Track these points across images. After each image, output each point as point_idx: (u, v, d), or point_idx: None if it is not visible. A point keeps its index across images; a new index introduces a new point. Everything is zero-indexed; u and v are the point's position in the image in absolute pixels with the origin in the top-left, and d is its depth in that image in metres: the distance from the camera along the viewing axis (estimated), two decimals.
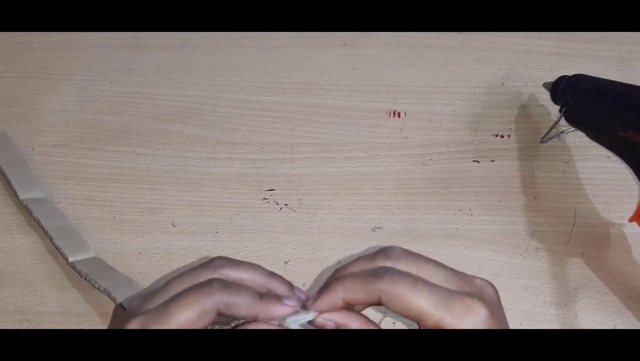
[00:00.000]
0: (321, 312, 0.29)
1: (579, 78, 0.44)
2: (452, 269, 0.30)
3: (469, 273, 0.43)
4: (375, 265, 0.29)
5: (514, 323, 0.42)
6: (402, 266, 0.29)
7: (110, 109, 0.52)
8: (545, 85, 0.48)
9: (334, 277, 0.30)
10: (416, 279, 0.28)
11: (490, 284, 0.30)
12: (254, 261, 0.44)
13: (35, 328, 0.42)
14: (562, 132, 0.47)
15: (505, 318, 0.30)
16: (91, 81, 0.54)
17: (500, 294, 0.42)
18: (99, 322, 0.42)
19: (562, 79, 0.46)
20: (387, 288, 0.27)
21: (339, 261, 0.44)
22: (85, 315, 0.43)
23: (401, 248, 0.30)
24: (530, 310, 0.42)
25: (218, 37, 0.56)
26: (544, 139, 0.48)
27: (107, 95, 0.53)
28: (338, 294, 0.29)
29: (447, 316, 0.27)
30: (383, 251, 0.30)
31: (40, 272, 0.44)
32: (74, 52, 0.56)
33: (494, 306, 0.29)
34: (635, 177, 0.40)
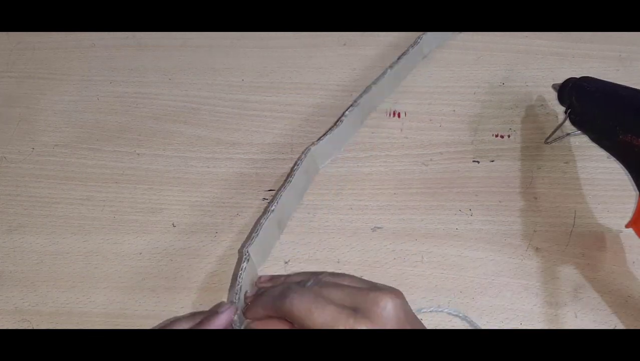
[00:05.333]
0: (249, 320, 0.37)
1: (585, 80, 0.44)
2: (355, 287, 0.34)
3: (468, 273, 0.43)
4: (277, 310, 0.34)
5: (514, 323, 0.42)
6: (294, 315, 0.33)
7: (110, 109, 0.52)
8: (554, 86, 0.48)
9: (257, 293, 0.39)
10: (310, 305, 0.32)
11: (386, 296, 0.32)
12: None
13: (35, 328, 0.42)
14: (568, 134, 0.47)
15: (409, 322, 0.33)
16: (91, 81, 0.54)
17: (500, 294, 0.43)
18: (99, 322, 0.42)
19: (569, 80, 0.46)
20: (287, 310, 0.33)
21: (338, 261, 0.44)
22: (85, 315, 0.43)
23: (295, 295, 0.34)
24: (530, 310, 0.42)
25: (218, 37, 0.56)
26: (548, 140, 0.48)
27: (107, 95, 0.53)
28: (259, 310, 0.36)
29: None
30: (279, 299, 0.34)
31: (40, 272, 0.44)
32: (74, 52, 0.56)
33: (382, 320, 0.32)
34: (633, 182, 0.40)
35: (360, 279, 0.37)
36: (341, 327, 0.31)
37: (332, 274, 0.37)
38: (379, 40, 0.55)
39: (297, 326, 0.33)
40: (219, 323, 0.35)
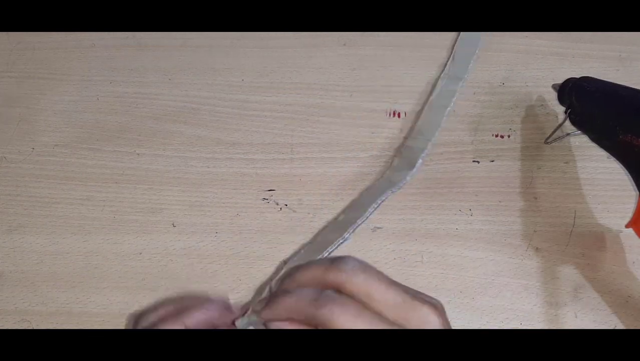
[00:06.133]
0: (266, 320, 0.30)
1: (585, 80, 0.44)
2: (403, 292, 0.28)
3: (469, 273, 0.43)
4: (327, 279, 0.29)
5: (514, 323, 0.42)
6: (352, 286, 0.28)
7: (110, 109, 0.52)
8: (554, 86, 0.48)
9: (283, 286, 0.31)
10: (355, 318, 0.27)
11: (435, 311, 0.29)
12: (254, 262, 0.44)
13: (35, 328, 0.42)
14: (568, 134, 0.47)
15: None
16: (91, 81, 0.54)
17: (501, 294, 0.43)
18: (99, 322, 0.42)
19: (569, 80, 0.46)
20: (325, 319, 0.27)
21: None
22: (85, 315, 0.43)
23: (355, 261, 0.29)
24: (530, 310, 0.42)
25: (218, 37, 0.56)
26: (548, 140, 0.48)
27: (107, 95, 0.53)
28: (281, 311, 0.29)
29: None
30: (336, 265, 0.29)
31: (40, 272, 0.44)
32: (74, 52, 0.56)
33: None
34: (633, 182, 0.40)
35: (393, 283, 0.30)
36: None
37: (362, 270, 0.29)
38: (379, 40, 0.55)
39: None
40: (198, 316, 0.31)
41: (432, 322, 0.28)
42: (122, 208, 0.47)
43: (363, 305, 0.27)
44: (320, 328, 0.28)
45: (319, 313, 0.27)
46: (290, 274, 0.31)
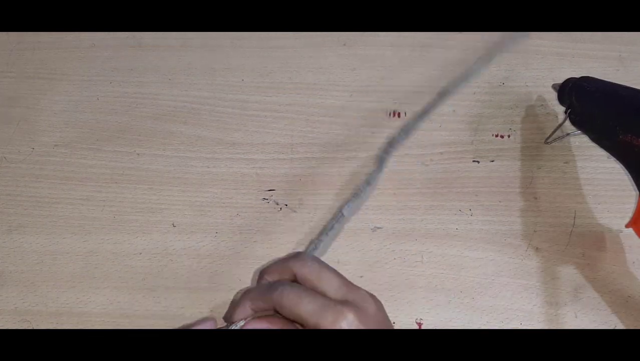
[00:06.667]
0: (238, 321, 0.35)
1: (585, 80, 0.44)
2: (347, 280, 0.34)
3: (469, 273, 0.43)
4: (287, 265, 0.35)
5: (514, 323, 0.42)
6: (306, 268, 0.34)
7: (110, 109, 0.52)
8: (553, 86, 0.48)
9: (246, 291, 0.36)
10: (301, 293, 0.33)
11: (372, 297, 0.34)
12: (254, 262, 0.44)
13: (35, 328, 0.42)
14: (568, 134, 0.47)
15: (385, 324, 0.34)
16: (91, 81, 0.54)
17: (501, 294, 0.43)
18: (99, 322, 0.42)
19: (569, 80, 0.46)
20: (277, 299, 0.33)
21: (338, 261, 0.44)
22: (85, 315, 0.43)
23: (311, 255, 0.36)
24: (530, 310, 0.42)
25: (218, 37, 0.56)
26: (548, 140, 0.48)
27: (107, 95, 0.53)
28: (246, 307, 0.35)
29: (322, 321, 0.31)
30: (295, 255, 0.36)
31: (40, 272, 0.44)
32: (74, 52, 0.56)
33: (366, 313, 0.33)
34: (633, 182, 0.40)
35: (339, 273, 0.36)
36: (329, 314, 0.31)
37: (315, 260, 0.36)
38: (379, 40, 0.55)
39: (285, 315, 0.34)
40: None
41: (368, 302, 0.33)
42: (122, 208, 0.47)
43: (313, 286, 0.33)
44: (275, 308, 0.33)
45: (272, 296, 0.33)
46: (260, 274, 0.37)
